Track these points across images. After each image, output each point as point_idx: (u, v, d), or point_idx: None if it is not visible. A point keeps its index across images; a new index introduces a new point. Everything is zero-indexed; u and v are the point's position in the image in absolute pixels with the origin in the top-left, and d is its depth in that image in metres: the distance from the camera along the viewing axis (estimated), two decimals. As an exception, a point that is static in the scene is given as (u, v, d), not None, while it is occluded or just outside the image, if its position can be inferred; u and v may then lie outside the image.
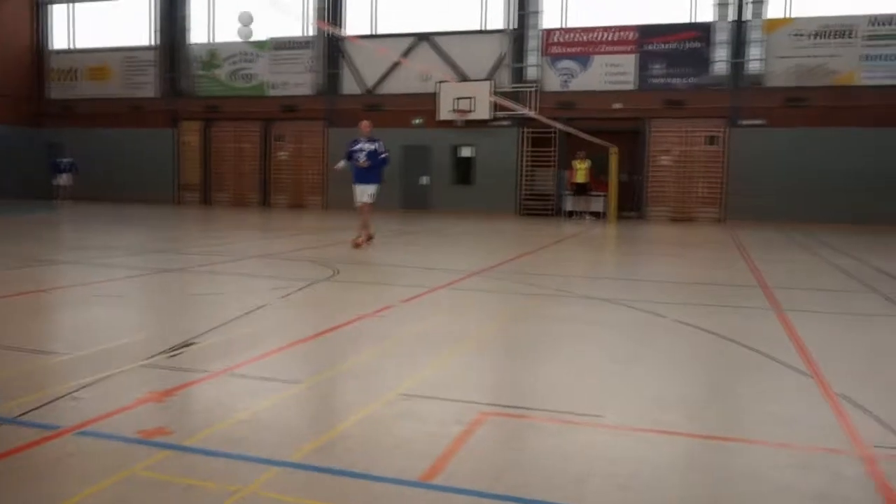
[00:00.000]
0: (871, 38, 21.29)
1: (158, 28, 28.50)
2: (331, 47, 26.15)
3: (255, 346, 5.04)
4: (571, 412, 3.87)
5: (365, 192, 12.04)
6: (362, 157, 11.89)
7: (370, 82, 26.07)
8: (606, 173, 21.99)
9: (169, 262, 10.22)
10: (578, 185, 22.44)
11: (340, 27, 26.36)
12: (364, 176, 12.01)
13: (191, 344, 5.03)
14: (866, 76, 21.33)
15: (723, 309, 7.31)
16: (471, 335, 5.69)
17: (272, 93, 27.30)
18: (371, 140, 12.05)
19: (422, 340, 5.48)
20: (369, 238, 12.26)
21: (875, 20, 21.23)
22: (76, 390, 3.91)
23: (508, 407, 3.98)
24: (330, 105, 26.42)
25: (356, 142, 12.11)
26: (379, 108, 25.54)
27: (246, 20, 15.60)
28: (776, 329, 6.10)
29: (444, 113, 24.39)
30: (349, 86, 26.47)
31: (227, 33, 27.82)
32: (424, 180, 25.45)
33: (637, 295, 7.99)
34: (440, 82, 24.11)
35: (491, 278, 9.03)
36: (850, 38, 21.44)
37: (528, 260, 11.40)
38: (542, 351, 5.40)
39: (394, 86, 25.65)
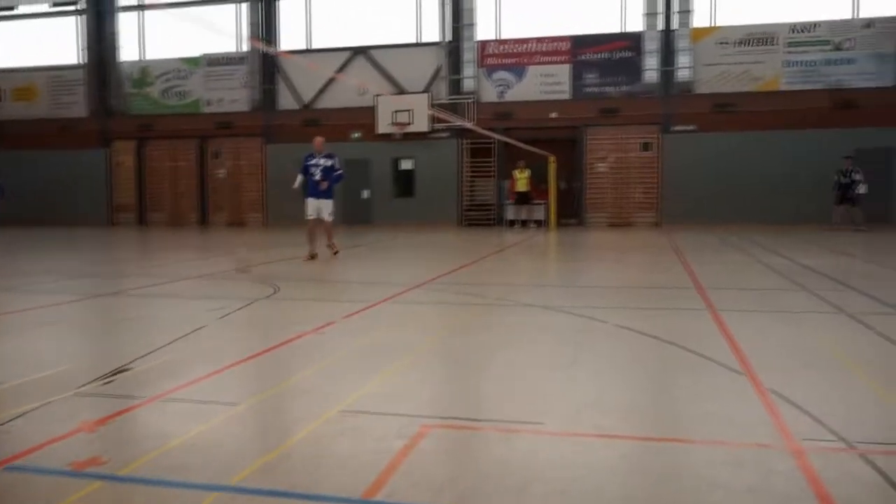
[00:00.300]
0: (792, 44, 22.14)
1: (86, 46, 27.81)
2: (266, 63, 25.93)
3: (192, 369, 4.94)
4: (513, 420, 3.90)
5: (320, 210, 12.37)
6: (318, 174, 12.21)
7: (307, 97, 25.93)
8: (546, 182, 22.31)
9: (103, 286, 9.95)
10: (520, 193, 22.72)
11: (275, 43, 26.17)
12: (317, 191, 12.30)
13: (125, 370, 4.91)
14: (788, 81, 22.15)
15: (660, 311, 7.47)
16: (412, 348, 5.69)
17: (207, 110, 26.90)
18: (326, 156, 12.41)
19: (363, 356, 5.46)
20: (335, 252, 12.97)
21: (795, 28, 22.09)
22: (5, 422, 3.77)
23: (450, 418, 3.99)
24: (267, 121, 26.17)
25: (311, 156, 12.44)
26: (317, 122, 25.42)
27: None
28: (711, 329, 6.26)
29: (383, 126, 24.40)
30: (286, 101, 26.27)
31: (159, 50, 27.37)
32: (365, 194, 25.38)
33: (577, 301, 8.11)
34: (378, 96, 24.12)
35: (432, 290, 9.04)
36: (772, 45, 22.25)
37: (469, 270, 11.46)
38: (483, 361, 5.43)
39: (331, 100, 25.57)
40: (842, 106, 21.60)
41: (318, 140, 12.63)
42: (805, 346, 5.74)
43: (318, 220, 12.49)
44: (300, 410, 4.12)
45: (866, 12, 21.81)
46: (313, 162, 12.33)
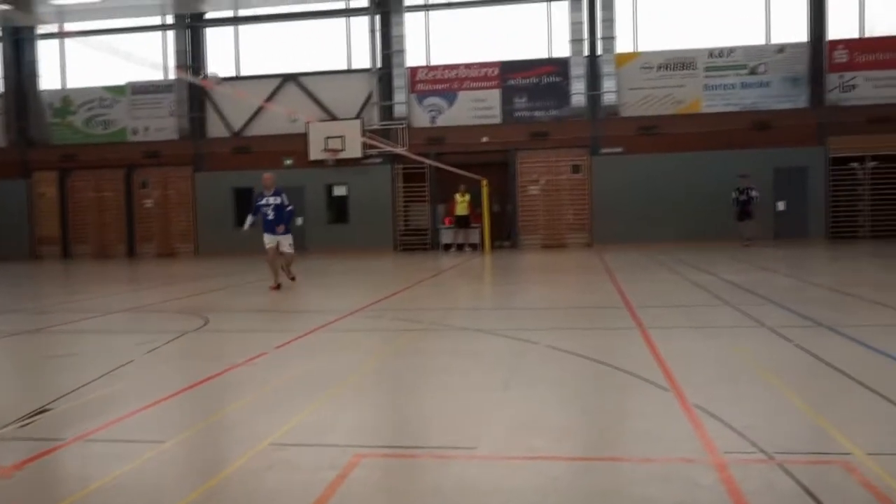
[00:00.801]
0: (710, 69, 23.01)
1: (4, 75, 26.91)
2: (194, 90, 25.55)
3: (117, 407, 4.79)
4: (446, 446, 3.91)
5: (280, 243, 12.42)
6: (271, 213, 12.32)
7: (237, 125, 25.64)
8: (480, 205, 22.54)
9: (23, 322, 9.56)
10: (459, 217, 22.98)
11: (202, 70, 25.84)
12: (273, 227, 12.36)
13: (45, 410, 4.73)
14: (709, 104, 22.99)
15: (591, 331, 7.61)
16: (345, 377, 5.64)
17: (134, 138, 26.30)
18: (275, 194, 12.45)
19: (296, 386, 5.39)
20: (292, 278, 12.98)
21: (713, 53, 22.98)
22: (-89, 473, 3.58)
23: (384, 447, 3.97)
24: (196, 149, 25.74)
25: (262, 196, 12.51)
26: (248, 150, 25.16)
27: None
28: (639, 347, 6.41)
29: (316, 153, 24.28)
30: (216, 129, 25.91)
31: (82, 78, 26.69)
32: (299, 221, 25.11)
33: (511, 323, 8.19)
34: (309, 122, 24.03)
35: (367, 317, 9.00)
36: (692, 69, 23.08)
37: (404, 296, 11.45)
38: (417, 386, 5.43)
39: (262, 127, 25.33)
40: (759, 127, 22.50)
41: (268, 177, 12.67)
42: (728, 360, 5.92)
43: (277, 250, 12.43)
44: (229, 446, 4.04)
45: (778, 38, 22.84)
46: (264, 201, 12.40)
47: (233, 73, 25.82)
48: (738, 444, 3.75)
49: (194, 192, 25.90)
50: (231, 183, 25.35)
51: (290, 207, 12.62)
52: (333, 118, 24.69)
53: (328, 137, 23.91)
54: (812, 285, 11.32)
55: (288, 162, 24.93)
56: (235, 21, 25.95)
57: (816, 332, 6.86)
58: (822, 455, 3.60)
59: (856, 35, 22.60)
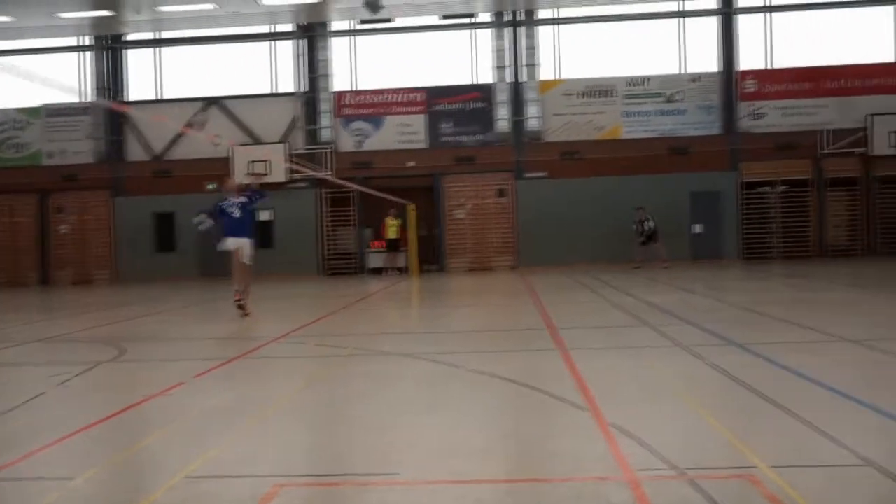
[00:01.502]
0: (629, 96, 23.78)
1: None
2: (113, 113, 24.86)
3: (25, 443, 4.59)
4: (367, 473, 3.90)
5: (241, 248, 11.49)
6: (237, 211, 11.45)
7: (158, 148, 25.05)
8: (407, 229, 22.61)
9: (-77, 356, 9.06)
10: (390, 241, 23.00)
11: (122, 92, 25.23)
12: (236, 228, 11.47)
13: (-55, 449, 4.50)
14: (628, 130, 23.73)
15: (514, 353, 7.71)
16: (266, 405, 5.56)
17: (49, 162, 25.36)
18: (239, 193, 11.73)
19: (214, 416, 5.28)
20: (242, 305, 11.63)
21: (631, 81, 23.77)
22: None
23: (304, 476, 3.93)
24: (115, 173, 25.01)
25: (224, 200, 11.68)
26: (169, 173, 24.60)
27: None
28: (560, 368, 6.53)
29: (240, 176, 23.89)
30: (136, 152, 25.25)
31: (-9, 100, 25.66)
32: (223, 244, 24.62)
33: (435, 347, 8.22)
34: (234, 146, 23.69)
35: (290, 343, 8.89)
36: (612, 96, 23.81)
37: (329, 321, 11.36)
38: (340, 413, 5.39)
39: (184, 151, 24.81)
40: (676, 152, 23.34)
41: (229, 181, 12.20)
42: (645, 379, 6.09)
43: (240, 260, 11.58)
44: (141, 481, 3.93)
45: (692, 68, 23.82)
46: (228, 202, 11.56)
47: (153, 96, 25.28)
48: (651, 461, 3.86)
49: (113, 217, 25.12)
50: (151, 207, 24.71)
51: (258, 200, 11.82)
52: (258, 142, 24.41)
53: (252, 161, 23.61)
54: (726, 305, 11.74)
55: (211, 186, 24.47)
56: (157, 43, 25.45)
57: (728, 351, 7.12)
58: (730, 469, 3.74)
59: (764, 66, 23.75)
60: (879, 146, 22.36)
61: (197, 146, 24.16)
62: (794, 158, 23.12)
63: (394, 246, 23.14)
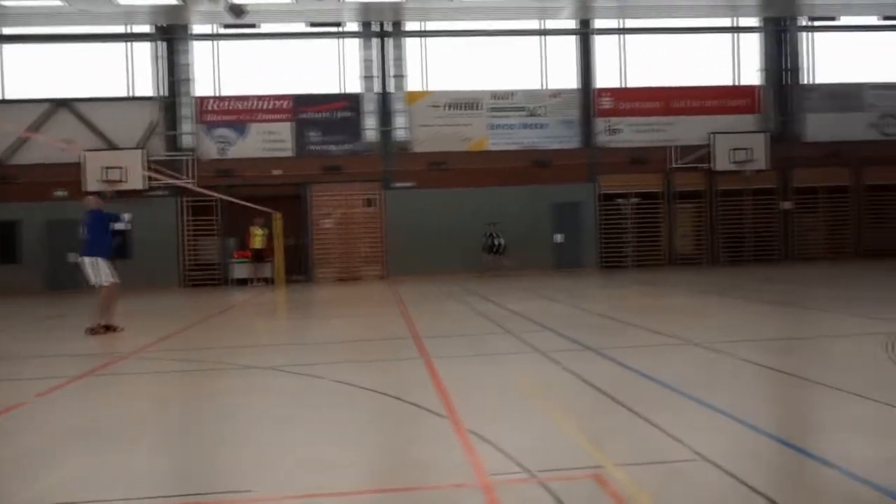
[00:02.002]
0: (494, 109, 24.41)
1: None
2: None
3: None
4: (219, 491, 3.78)
5: (99, 272, 10.86)
6: (85, 231, 10.97)
7: (-1, 151, 23.27)
8: (273, 238, 22.13)
9: None
10: (255, 251, 22.39)
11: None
12: (87, 248, 10.93)
13: None
14: (494, 142, 24.36)
15: (378, 363, 7.70)
16: (115, 424, 5.27)
17: None
18: (94, 210, 11.16)
19: (58, 438, 4.94)
20: (107, 328, 10.93)
21: (496, 95, 24.42)
22: None
23: (153, 498, 3.75)
24: (-53, 178, 22.99)
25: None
26: (13, 180, 22.86)
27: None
28: (423, 377, 6.58)
29: (93, 184, 22.57)
30: (-27, 156, 23.32)
31: None
32: (73, 257, 23.16)
33: (299, 359, 8.09)
34: (86, 151, 22.35)
35: (146, 359, 8.48)
36: (478, 109, 24.36)
37: (188, 334, 10.93)
38: (195, 431, 5.19)
39: (30, 155, 23.13)
40: (539, 165, 24.16)
41: (89, 199, 11.60)
42: (504, 385, 6.25)
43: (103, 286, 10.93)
44: (-33, 511, 3.62)
45: (553, 84, 24.77)
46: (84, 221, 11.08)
47: (-6, 96, 23.48)
48: (505, 465, 3.97)
49: (-57, 227, 23.08)
50: (-10, 217, 22.90)
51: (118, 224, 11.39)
52: (113, 147, 23.16)
53: (107, 168, 22.37)
54: (584, 312, 12.26)
55: (61, 193, 23.00)
56: (-2, 39, 23.68)
57: (583, 355, 7.43)
58: (579, 470, 3.90)
59: (618, 85, 25.05)
60: (721, 162, 24.08)
61: (45, 150, 22.59)
62: (647, 172, 24.50)
63: (259, 256, 22.60)
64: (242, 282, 22.80)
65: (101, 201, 11.76)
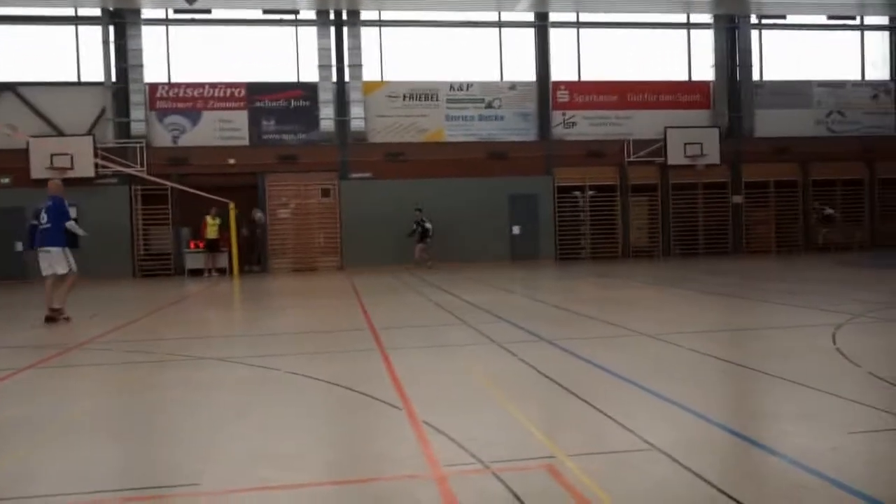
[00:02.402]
0: (451, 101, 24.39)
1: None
2: None
3: None
4: (165, 485, 3.70)
5: (55, 262, 10.75)
6: (46, 216, 10.78)
7: (-61, 137, 22.45)
8: (228, 228, 21.80)
9: None
10: (210, 241, 22.08)
11: None
12: (43, 238, 10.85)
13: None
14: (451, 133, 24.33)
15: (332, 355, 7.64)
16: (58, 419, 5.12)
17: None
18: (52, 198, 10.98)
19: (-4, 433, 4.79)
20: (53, 317, 10.76)
21: (453, 86, 24.39)
22: None
23: (96, 492, 3.65)
24: None
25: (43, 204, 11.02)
26: (-47, 166, 22.09)
27: None
28: (378, 368, 6.55)
29: (39, 170, 21.95)
30: (-90, 140, 22.47)
31: None
32: (19, 246, 22.52)
33: (252, 350, 7.97)
34: (32, 137, 21.71)
35: (93, 350, 8.28)
36: (435, 100, 24.30)
37: (140, 325, 10.71)
38: (141, 424, 5.08)
39: (-29, 141, 22.40)
40: (495, 157, 24.23)
41: (51, 184, 11.36)
42: (458, 376, 6.24)
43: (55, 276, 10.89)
44: None
45: (510, 76, 24.83)
46: (41, 207, 10.99)
47: (-66, 78, 22.63)
48: (459, 456, 3.96)
49: None
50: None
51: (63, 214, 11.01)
52: (61, 133, 22.54)
53: (54, 154, 21.76)
54: (539, 303, 12.34)
55: (5, 180, 22.33)
56: (-62, 19, 22.80)
57: (537, 346, 7.47)
58: (531, 461, 3.90)
59: (575, 78, 25.22)
60: (674, 156, 24.46)
61: (-14, 136, 21.89)
62: (602, 165, 24.78)
63: (214, 246, 22.28)
64: (196, 272, 22.45)
65: (64, 188, 11.49)
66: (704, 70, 25.78)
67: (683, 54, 25.89)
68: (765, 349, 7.18)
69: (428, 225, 22.39)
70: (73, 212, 12.35)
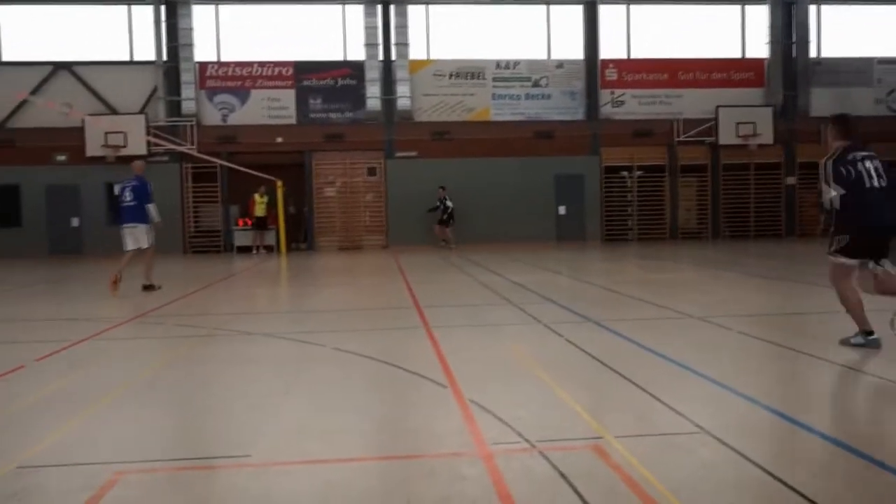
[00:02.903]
0: (497, 79, 24.19)
1: None
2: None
3: None
4: (217, 456, 3.78)
5: (139, 237, 11.56)
6: (129, 195, 11.53)
7: (-1, 115, 23.11)
8: (275, 206, 22.08)
9: None
10: (258, 218, 22.39)
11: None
12: (128, 214, 11.58)
13: None
14: (497, 113, 24.16)
15: (378, 332, 7.69)
16: (114, 389, 5.26)
17: None
18: (135, 179, 11.75)
19: (55, 401, 4.94)
20: (150, 286, 11.73)
21: (500, 64, 24.18)
22: None
23: (149, 461, 3.74)
24: (-53, 141, 22.87)
25: (126, 183, 11.77)
26: (11, 143, 22.72)
27: None
28: (424, 346, 6.57)
29: (94, 148, 22.48)
30: (-28, 119, 23.17)
31: None
32: (75, 222, 23.16)
33: (300, 327, 8.08)
34: (87, 115, 22.21)
35: (146, 324, 8.48)
36: (482, 79, 24.13)
37: (190, 300, 10.93)
38: (192, 396, 5.19)
39: (30, 119, 22.99)
40: (542, 136, 24.00)
41: (136, 164, 12.23)
42: (504, 356, 6.24)
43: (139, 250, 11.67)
44: (-34, 472, 3.62)
45: (557, 55, 24.50)
46: (124, 186, 11.76)
47: (-6, 58, 23.26)
48: (505, 434, 3.96)
49: (-55, 190, 23.02)
50: (-7, 182, 22.82)
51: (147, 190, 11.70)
52: (114, 112, 23.01)
53: (108, 132, 22.25)
54: (586, 284, 12.24)
55: (61, 158, 22.92)
56: (-4, 0, 23.37)
57: (584, 327, 7.41)
58: (578, 441, 3.88)
59: (624, 56, 24.77)
60: (725, 136, 23.91)
61: (45, 115, 22.46)
62: (651, 145, 24.35)
63: (262, 224, 22.58)
64: (244, 249, 22.80)
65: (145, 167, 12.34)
66: (758, 47, 25.07)
67: (737, 31, 25.21)
68: (816, 333, 7.02)
69: (449, 203, 22.21)
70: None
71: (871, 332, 5.92)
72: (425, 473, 3.42)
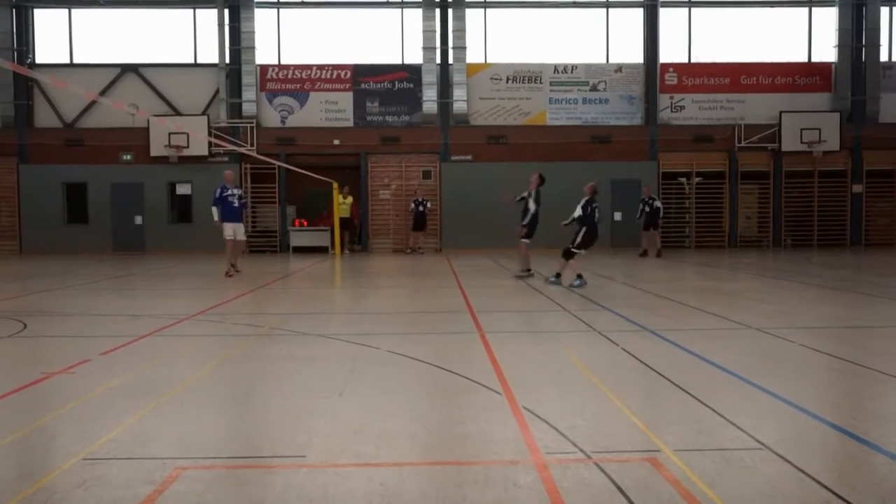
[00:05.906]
0: (555, 83, 24.05)
1: None
2: (19, 76, 23.61)
3: None
4: (274, 455, 3.83)
5: (237, 231, 14.70)
6: (236, 201, 14.61)
7: (70, 115, 23.95)
8: (333, 206, 22.36)
9: None
10: (342, 219, 22.53)
11: (29, 54, 23.95)
12: (237, 215, 14.67)
13: None
14: (553, 117, 24.02)
15: (432, 336, 7.70)
16: (174, 385, 5.39)
17: (-53, 125, 23.94)
18: (236, 186, 15.03)
19: (118, 395, 5.08)
20: (235, 270, 14.92)
21: (557, 68, 24.03)
22: None
23: (208, 458, 3.82)
24: (22, 139, 23.80)
25: (225, 188, 14.58)
26: (81, 142, 23.56)
27: None
28: (477, 351, 6.56)
29: (158, 148, 23.13)
30: (46, 118, 24.08)
31: None
32: (138, 220, 23.85)
33: (354, 328, 8.15)
34: (152, 116, 22.86)
35: (205, 322, 8.66)
36: (538, 83, 24.03)
37: (247, 299, 11.13)
38: (249, 394, 5.28)
39: (98, 119, 23.81)
40: (599, 141, 23.77)
41: (229, 174, 15.09)
42: (559, 363, 6.18)
43: (236, 240, 14.68)
44: (36, 462, 3.75)
45: (616, 58, 24.25)
46: (229, 192, 14.53)
47: (64, 60, 24.11)
48: (560, 444, 3.92)
49: (19, 186, 23.93)
50: (62, 177, 23.67)
51: (244, 199, 15.17)
52: (177, 113, 23.64)
53: (172, 133, 22.86)
54: (642, 292, 12.05)
55: (127, 157, 23.62)
56: (68, 3, 24.22)
57: (641, 336, 7.30)
58: (634, 453, 3.82)
59: (684, 60, 24.37)
60: (789, 142, 23.30)
61: (112, 115, 23.23)
62: (710, 151, 23.90)
63: (346, 225, 22.61)
64: (301, 250, 23.12)
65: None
66: (826, 51, 24.39)
67: (803, 34, 24.57)
68: (884, 348, 6.77)
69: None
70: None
71: None
72: (479, 480, 3.41)
